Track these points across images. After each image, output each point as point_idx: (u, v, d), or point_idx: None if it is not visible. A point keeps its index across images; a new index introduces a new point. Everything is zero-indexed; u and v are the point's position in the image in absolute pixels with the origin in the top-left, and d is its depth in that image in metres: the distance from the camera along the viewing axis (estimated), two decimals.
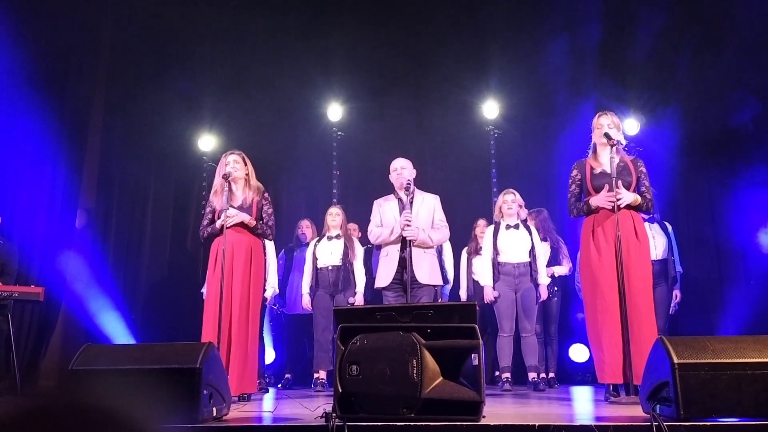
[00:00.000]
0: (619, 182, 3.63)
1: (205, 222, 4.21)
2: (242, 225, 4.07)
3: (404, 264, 4.16)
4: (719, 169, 6.09)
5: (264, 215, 4.20)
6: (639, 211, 3.76)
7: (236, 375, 3.82)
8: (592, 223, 3.72)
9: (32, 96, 5.76)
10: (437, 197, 4.51)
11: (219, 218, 4.04)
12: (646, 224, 5.16)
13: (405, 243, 4.20)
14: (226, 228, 3.95)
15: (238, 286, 3.93)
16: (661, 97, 6.42)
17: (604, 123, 3.79)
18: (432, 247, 4.36)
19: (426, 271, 4.27)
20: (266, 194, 4.24)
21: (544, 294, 5.01)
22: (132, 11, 6.74)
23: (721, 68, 6.30)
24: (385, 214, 4.44)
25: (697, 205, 6.48)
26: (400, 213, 4.29)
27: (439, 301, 4.59)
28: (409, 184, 4.32)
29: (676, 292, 5.30)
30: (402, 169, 4.44)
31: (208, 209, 4.22)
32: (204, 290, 4.43)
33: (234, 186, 4.11)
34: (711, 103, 6.33)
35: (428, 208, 4.41)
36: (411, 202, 4.35)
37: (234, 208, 4.05)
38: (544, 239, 5.43)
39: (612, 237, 3.59)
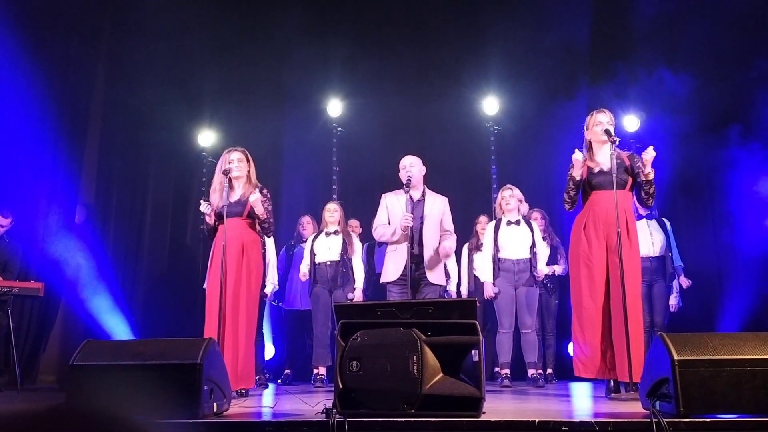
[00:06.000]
0: (647, 163, 3.60)
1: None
2: (242, 219, 4.06)
3: (413, 260, 4.19)
4: (718, 164, 6.09)
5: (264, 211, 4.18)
6: (640, 200, 3.76)
7: (230, 370, 3.80)
8: (584, 219, 3.71)
9: (31, 92, 5.75)
10: (446, 200, 4.51)
11: (215, 215, 4.03)
12: (644, 220, 5.20)
13: (414, 239, 4.22)
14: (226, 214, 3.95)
15: (231, 281, 3.92)
16: (660, 91, 6.42)
17: (603, 120, 3.73)
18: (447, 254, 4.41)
19: (436, 270, 4.30)
20: (264, 191, 4.15)
21: (541, 273, 5.04)
22: (132, 5, 6.72)
23: (719, 59, 6.30)
24: (393, 210, 4.44)
25: (696, 200, 6.49)
26: (409, 209, 4.29)
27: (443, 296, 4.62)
28: (409, 180, 4.32)
29: (684, 279, 5.32)
30: (411, 167, 4.43)
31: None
32: (206, 285, 4.43)
33: (235, 183, 4.10)
34: (709, 97, 6.33)
35: (439, 208, 4.43)
36: (422, 199, 4.39)
37: (231, 203, 4.04)
38: (543, 238, 5.44)
39: (603, 234, 3.60)
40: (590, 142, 3.84)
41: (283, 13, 6.84)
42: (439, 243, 4.38)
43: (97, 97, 6.77)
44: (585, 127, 3.85)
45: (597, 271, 3.58)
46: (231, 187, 4.07)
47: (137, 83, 6.74)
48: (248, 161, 4.17)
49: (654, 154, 3.57)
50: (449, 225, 4.47)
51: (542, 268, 5.04)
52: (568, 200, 3.81)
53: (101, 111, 6.82)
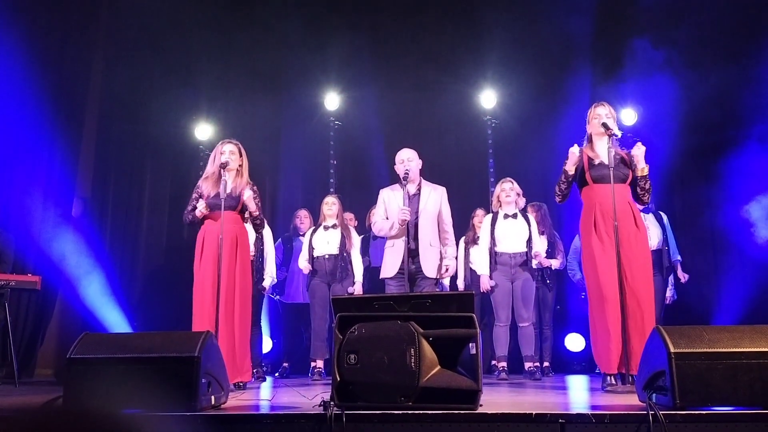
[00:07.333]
0: (639, 157, 3.65)
1: (189, 207, 4.14)
2: (234, 212, 4.06)
3: (410, 254, 4.20)
4: (714, 158, 6.09)
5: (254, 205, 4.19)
6: (636, 196, 3.78)
7: (226, 363, 3.80)
8: (593, 214, 3.71)
9: (28, 84, 5.72)
10: (444, 190, 4.49)
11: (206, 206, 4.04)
12: (641, 214, 5.21)
13: (410, 233, 4.23)
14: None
15: (225, 274, 3.91)
16: (657, 84, 6.42)
17: (602, 113, 3.79)
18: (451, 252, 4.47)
19: (432, 264, 4.30)
20: (254, 187, 4.18)
21: (539, 256, 5.18)
22: None
23: (715, 52, 6.29)
24: (390, 204, 4.43)
25: (692, 194, 6.49)
26: (406, 203, 4.28)
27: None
28: (407, 174, 4.31)
29: (681, 273, 5.34)
30: (408, 161, 4.41)
31: (195, 194, 4.15)
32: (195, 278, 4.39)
33: (226, 175, 4.08)
34: (705, 90, 6.33)
35: (435, 201, 4.40)
36: (417, 193, 4.37)
37: (221, 195, 4.02)
38: (541, 233, 5.45)
39: (612, 227, 3.61)
40: (591, 134, 3.88)
41: (280, 7, 6.81)
42: (440, 245, 4.39)
43: (94, 90, 6.74)
44: (586, 121, 3.91)
45: (614, 266, 3.57)
46: (222, 179, 4.07)
47: (134, 76, 6.72)
48: (241, 155, 4.16)
49: (643, 148, 3.64)
50: (447, 217, 4.44)
51: (539, 251, 5.11)
52: (559, 193, 3.86)
53: (98, 104, 6.80)
